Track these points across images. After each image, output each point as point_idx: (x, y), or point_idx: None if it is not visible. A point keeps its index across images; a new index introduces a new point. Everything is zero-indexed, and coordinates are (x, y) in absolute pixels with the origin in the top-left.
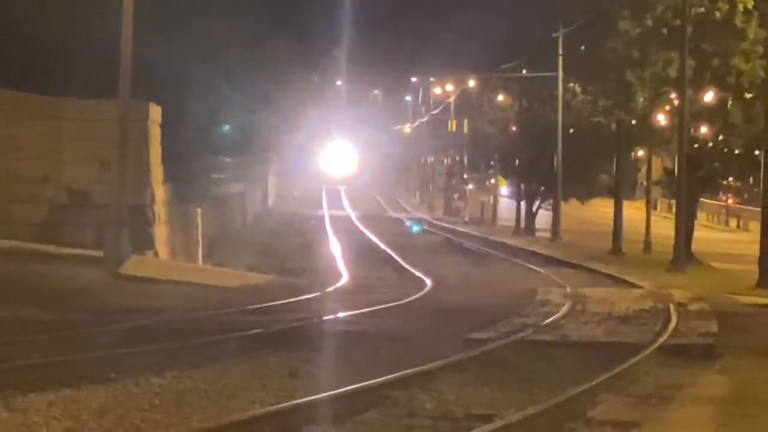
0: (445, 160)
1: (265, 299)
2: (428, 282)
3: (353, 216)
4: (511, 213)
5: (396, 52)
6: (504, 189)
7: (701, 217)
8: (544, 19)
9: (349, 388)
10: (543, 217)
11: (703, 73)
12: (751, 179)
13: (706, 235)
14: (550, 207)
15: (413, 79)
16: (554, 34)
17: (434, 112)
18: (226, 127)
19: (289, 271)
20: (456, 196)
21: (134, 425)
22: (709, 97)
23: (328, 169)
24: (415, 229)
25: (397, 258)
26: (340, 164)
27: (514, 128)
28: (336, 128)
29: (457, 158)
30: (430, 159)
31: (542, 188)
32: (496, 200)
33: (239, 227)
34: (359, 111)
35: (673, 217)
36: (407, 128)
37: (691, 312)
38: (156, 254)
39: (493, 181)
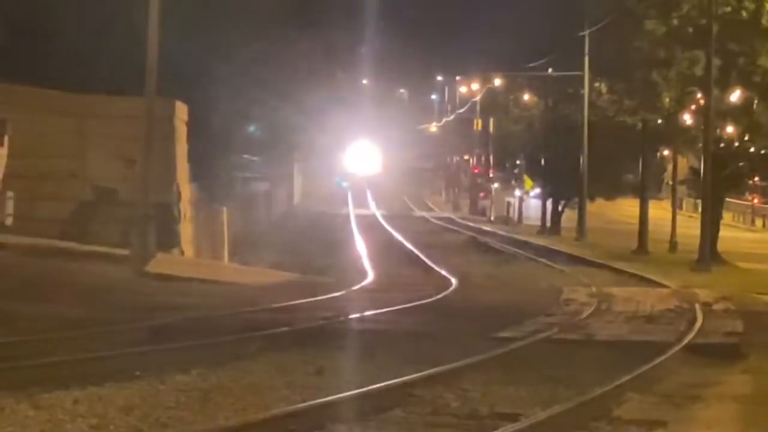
0: (471, 159)
1: (291, 297)
2: (453, 281)
3: (378, 215)
4: (537, 212)
5: (422, 50)
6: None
7: (727, 216)
8: (570, 18)
9: (375, 386)
10: (568, 216)
11: (729, 72)
12: None
13: (731, 234)
14: (575, 206)
15: (439, 78)
16: (580, 33)
17: (460, 110)
18: (252, 128)
19: (314, 269)
20: (481, 195)
21: (160, 423)
22: (734, 96)
23: (353, 168)
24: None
25: (422, 257)
26: (366, 163)
27: (539, 127)
28: (362, 127)
29: (483, 157)
30: (456, 158)
31: (568, 187)
32: (521, 199)
33: (265, 225)
34: (385, 110)
35: (699, 216)
36: (433, 127)
37: (716, 311)
38: (182, 252)
39: (516, 181)
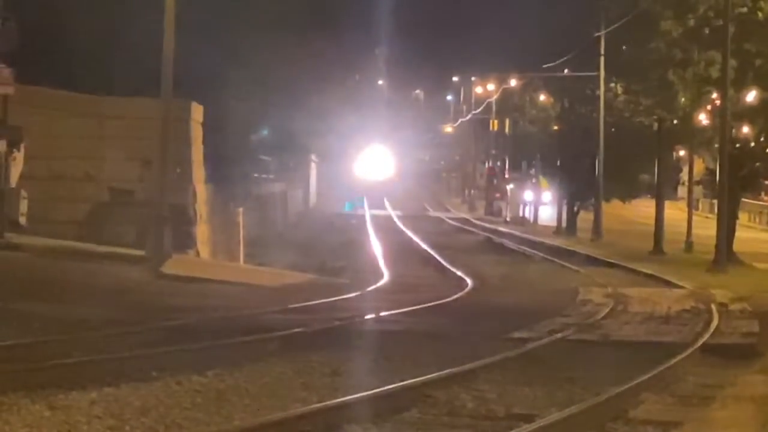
0: (487, 161)
1: (307, 298)
2: (469, 281)
3: (394, 215)
4: (552, 213)
5: (437, 51)
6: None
7: (743, 217)
8: (586, 18)
9: (391, 387)
10: (583, 217)
11: (746, 73)
12: None
13: (747, 235)
14: (591, 207)
15: (455, 79)
16: (596, 34)
17: (476, 111)
18: (265, 131)
19: (330, 270)
20: (497, 195)
21: (176, 424)
22: (751, 97)
23: (370, 168)
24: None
25: (438, 257)
26: (382, 164)
27: (555, 128)
28: (377, 129)
29: (499, 160)
30: (472, 159)
31: (584, 188)
32: (536, 201)
33: (280, 227)
34: (400, 111)
35: (715, 217)
36: (449, 128)
37: (732, 312)
38: (197, 253)
39: (534, 180)
